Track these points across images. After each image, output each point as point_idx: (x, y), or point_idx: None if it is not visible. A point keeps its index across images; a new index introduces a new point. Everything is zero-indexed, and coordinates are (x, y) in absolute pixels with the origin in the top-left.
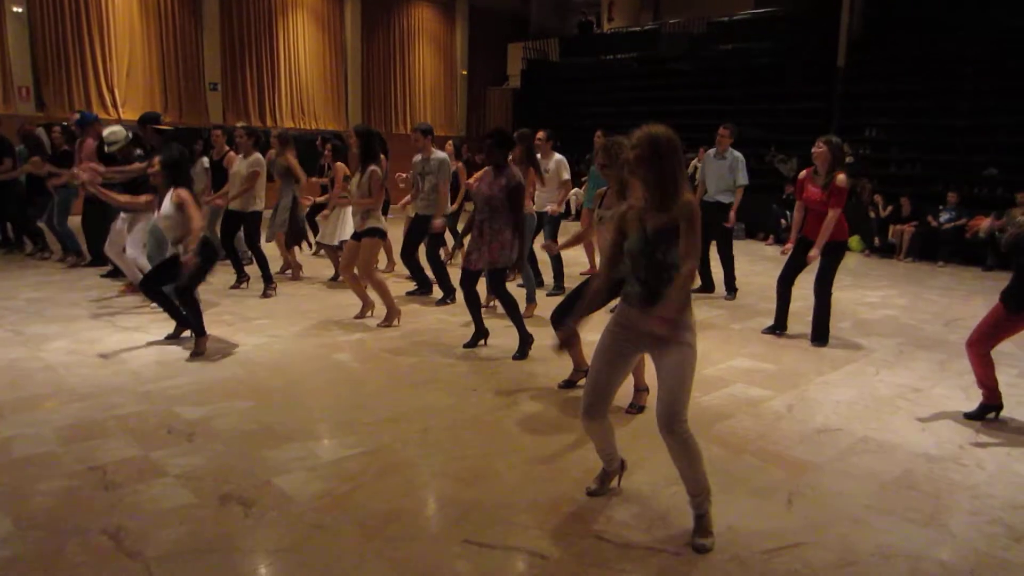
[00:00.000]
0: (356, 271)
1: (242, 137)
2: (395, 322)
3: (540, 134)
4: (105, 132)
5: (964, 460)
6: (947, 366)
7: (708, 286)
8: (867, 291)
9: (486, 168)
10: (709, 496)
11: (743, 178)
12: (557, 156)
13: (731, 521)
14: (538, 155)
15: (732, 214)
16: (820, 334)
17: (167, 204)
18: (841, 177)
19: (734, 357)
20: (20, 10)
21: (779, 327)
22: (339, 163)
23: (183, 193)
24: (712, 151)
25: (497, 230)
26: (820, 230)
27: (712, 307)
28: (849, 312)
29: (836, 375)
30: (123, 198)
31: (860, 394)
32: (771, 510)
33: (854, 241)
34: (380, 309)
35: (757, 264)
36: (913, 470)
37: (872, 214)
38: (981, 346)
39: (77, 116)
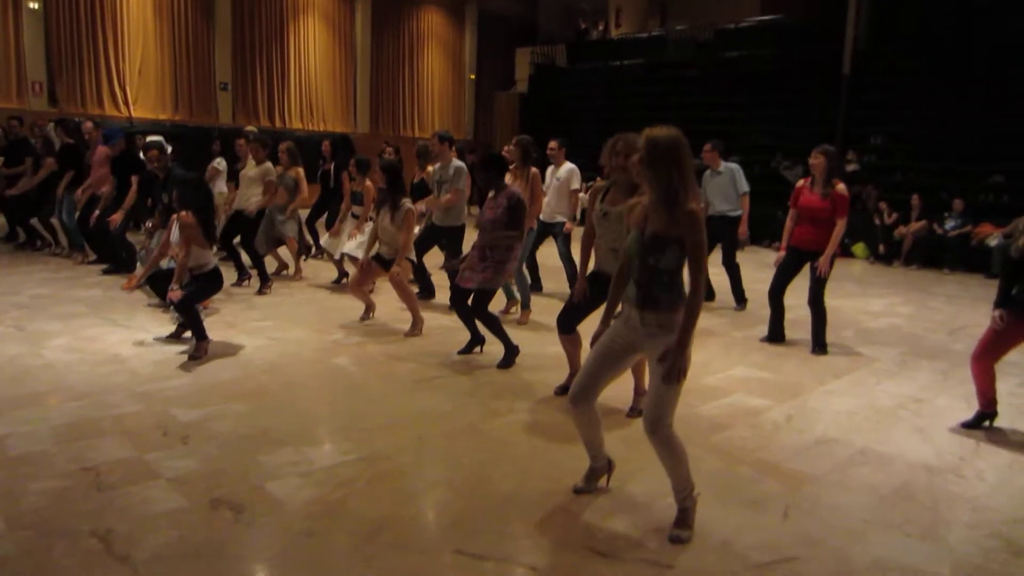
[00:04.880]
0: (393, 287)
1: (251, 146)
2: (419, 331)
3: (552, 143)
4: (148, 139)
5: (964, 472)
6: (950, 375)
7: (709, 294)
8: (871, 299)
9: (488, 195)
10: (692, 492)
11: (745, 184)
12: (569, 165)
13: (725, 534)
14: (551, 165)
15: (743, 226)
16: (819, 343)
17: (175, 230)
18: (842, 186)
19: (734, 366)
20: (36, 6)
21: (774, 338)
22: (369, 183)
23: (185, 216)
24: (708, 171)
25: (498, 258)
26: (829, 240)
27: (714, 315)
28: (852, 320)
29: (837, 384)
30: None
31: (861, 404)
32: (766, 523)
33: (859, 248)
34: (384, 314)
35: (761, 271)
36: (912, 482)
37: (877, 221)
38: (986, 359)
39: (90, 124)
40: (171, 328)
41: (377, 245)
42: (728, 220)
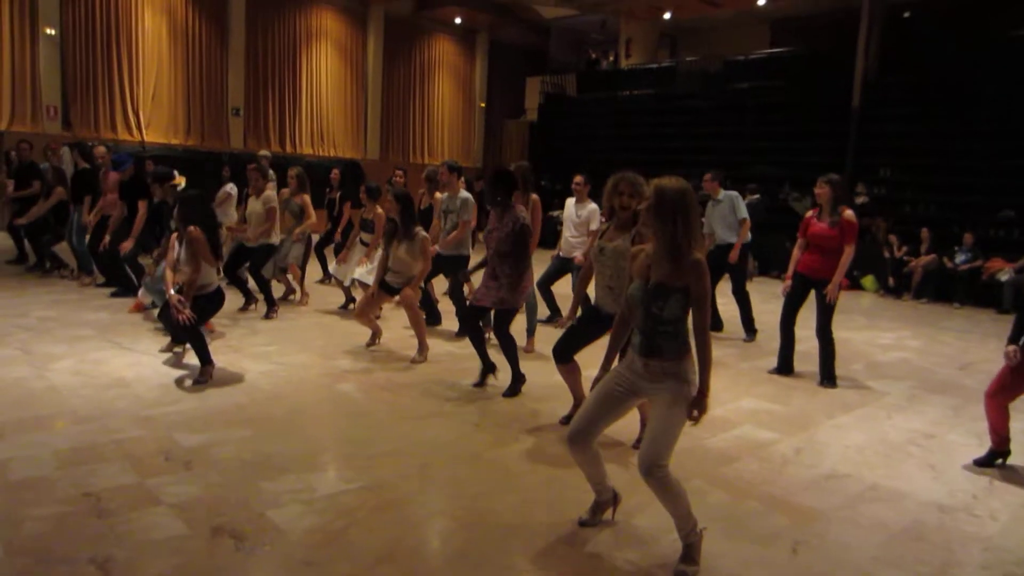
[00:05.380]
0: (405, 308)
1: (251, 175)
2: (425, 356)
3: (578, 178)
4: (155, 168)
5: (977, 511)
6: (961, 411)
7: (716, 324)
8: (881, 332)
9: (491, 213)
10: (696, 528)
11: (743, 211)
12: (592, 205)
13: (732, 570)
14: (573, 199)
15: (735, 251)
16: (828, 375)
17: (181, 249)
18: (849, 212)
19: (742, 398)
20: (53, 32)
21: (783, 370)
22: (379, 210)
23: (192, 231)
24: (709, 201)
25: (508, 273)
26: (836, 268)
27: (721, 346)
28: (862, 353)
29: (846, 418)
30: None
31: (870, 439)
32: (774, 559)
33: (868, 281)
34: (390, 340)
35: (770, 302)
36: (923, 520)
37: (886, 254)
38: (1001, 397)
39: (102, 148)
40: (178, 350)
41: (387, 273)
42: (732, 247)
